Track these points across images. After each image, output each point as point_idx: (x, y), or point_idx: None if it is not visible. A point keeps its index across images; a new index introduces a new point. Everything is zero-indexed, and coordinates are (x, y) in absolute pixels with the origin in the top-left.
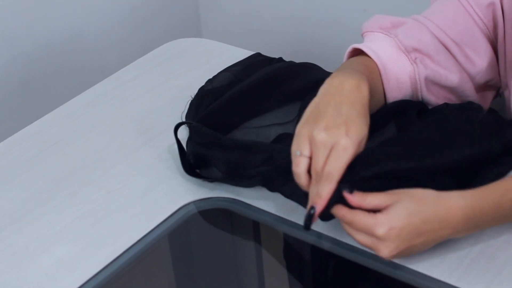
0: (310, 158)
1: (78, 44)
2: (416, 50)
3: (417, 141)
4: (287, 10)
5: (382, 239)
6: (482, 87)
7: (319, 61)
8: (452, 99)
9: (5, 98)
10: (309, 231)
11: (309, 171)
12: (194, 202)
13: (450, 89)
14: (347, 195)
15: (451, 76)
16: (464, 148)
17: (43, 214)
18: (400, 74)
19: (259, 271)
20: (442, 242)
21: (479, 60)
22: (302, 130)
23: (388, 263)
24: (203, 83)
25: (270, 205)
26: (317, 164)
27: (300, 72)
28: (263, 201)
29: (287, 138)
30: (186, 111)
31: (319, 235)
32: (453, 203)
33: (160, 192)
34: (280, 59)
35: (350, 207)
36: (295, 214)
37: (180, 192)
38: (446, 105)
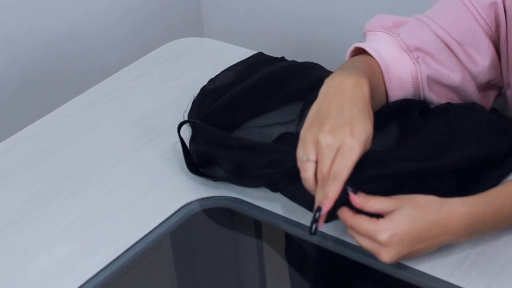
0: (317, 162)
1: (79, 43)
2: (418, 49)
3: (426, 143)
4: (289, 9)
5: (384, 245)
6: (484, 87)
7: (321, 61)
8: (454, 99)
9: (5, 98)
10: (314, 235)
11: (315, 175)
12: (196, 201)
13: (452, 89)
14: (352, 194)
15: (453, 76)
16: (473, 150)
17: (44, 214)
18: (402, 73)
19: (261, 270)
20: None
21: (481, 59)
22: (307, 135)
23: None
24: (205, 83)
25: (273, 205)
26: (323, 167)
27: (302, 71)
28: (265, 200)
29: (289, 137)
30: (188, 110)
31: (321, 234)
32: (455, 210)
33: (161, 191)
34: (282, 58)
35: (354, 209)
36: (297, 213)
37: (182, 191)
38: (449, 104)
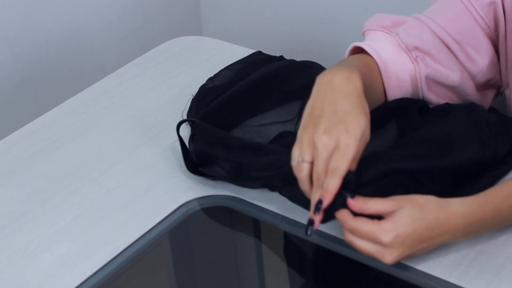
0: (312, 164)
1: (78, 42)
2: (417, 48)
3: (425, 142)
4: (288, 9)
5: (387, 246)
6: (483, 86)
7: (320, 60)
8: (453, 98)
9: (5, 96)
10: (310, 236)
11: (311, 177)
12: (195, 199)
13: (451, 88)
14: (349, 200)
15: (452, 75)
16: (473, 150)
17: (43, 212)
18: (401, 72)
19: (260, 269)
20: None
21: (480, 59)
22: (303, 136)
23: None
24: (204, 82)
25: (271, 204)
26: (319, 168)
27: (301, 70)
28: (264, 199)
29: (287, 136)
30: (187, 109)
31: (320, 233)
32: (454, 210)
33: (160, 190)
34: (281, 57)
35: (353, 214)
36: (296, 212)
37: (181, 190)
38: (448, 105)
